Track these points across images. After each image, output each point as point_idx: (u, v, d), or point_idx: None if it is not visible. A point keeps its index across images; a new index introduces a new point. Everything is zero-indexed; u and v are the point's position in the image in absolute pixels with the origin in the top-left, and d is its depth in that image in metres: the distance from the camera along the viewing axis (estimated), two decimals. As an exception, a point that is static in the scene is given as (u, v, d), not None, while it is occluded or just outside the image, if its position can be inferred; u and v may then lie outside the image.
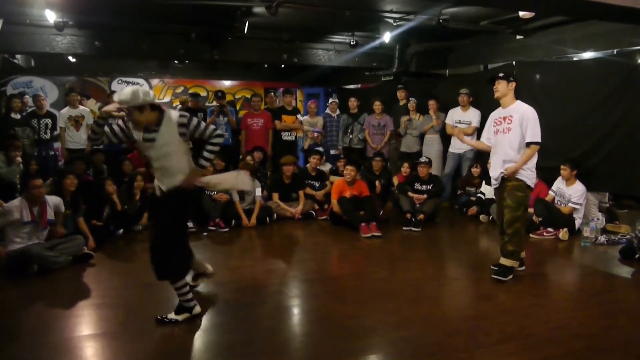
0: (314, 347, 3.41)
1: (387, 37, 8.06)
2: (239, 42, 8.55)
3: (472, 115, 7.86)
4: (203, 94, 12.05)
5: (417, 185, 7.28)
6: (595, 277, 5.10)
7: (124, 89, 3.56)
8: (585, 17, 6.45)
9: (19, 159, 6.96)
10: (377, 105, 8.55)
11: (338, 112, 9.15)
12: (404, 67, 9.46)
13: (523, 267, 4.89)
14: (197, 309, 3.77)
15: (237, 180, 4.28)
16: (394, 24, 7.46)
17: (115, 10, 7.03)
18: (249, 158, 7.66)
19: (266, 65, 11.37)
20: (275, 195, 7.38)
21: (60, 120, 8.06)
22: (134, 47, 8.26)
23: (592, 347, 3.37)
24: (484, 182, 7.47)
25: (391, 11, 6.94)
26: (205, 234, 6.48)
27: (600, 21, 6.33)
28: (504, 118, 4.63)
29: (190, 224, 6.45)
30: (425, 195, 7.12)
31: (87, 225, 5.67)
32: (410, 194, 7.17)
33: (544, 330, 3.60)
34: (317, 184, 7.73)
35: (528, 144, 4.50)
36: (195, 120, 3.64)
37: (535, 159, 4.60)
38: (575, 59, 7.36)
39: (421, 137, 8.48)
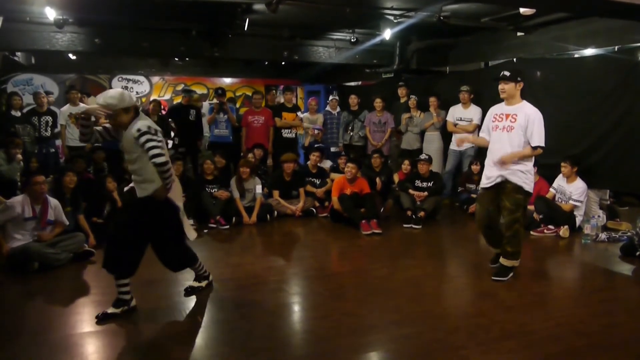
0: (314, 344, 3.41)
1: (387, 34, 8.04)
2: (240, 39, 8.54)
3: (473, 113, 7.85)
4: (203, 91, 12.06)
5: (418, 183, 7.28)
6: (596, 274, 5.10)
7: (109, 92, 3.61)
8: (586, 14, 6.44)
9: (20, 156, 6.97)
10: (378, 103, 8.54)
11: (338, 109, 9.14)
12: (405, 64, 9.44)
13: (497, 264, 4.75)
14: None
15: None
16: (395, 20, 7.43)
17: (115, 8, 7.03)
18: (250, 155, 7.65)
19: (266, 63, 11.38)
20: (276, 193, 7.38)
21: (60, 117, 8.06)
22: (134, 44, 8.25)
23: (592, 345, 3.37)
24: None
25: (392, 8, 6.93)
26: (205, 231, 6.48)
27: (601, 18, 6.31)
28: (507, 115, 4.48)
29: (190, 221, 6.46)
30: (425, 193, 7.12)
31: (88, 223, 5.67)
32: (410, 191, 7.17)
33: (544, 327, 3.60)
34: (317, 182, 7.73)
35: (535, 148, 4.37)
36: (144, 138, 3.52)
37: (532, 163, 4.49)
38: (576, 55, 7.34)
39: (422, 134, 8.47)
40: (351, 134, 8.78)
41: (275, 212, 7.24)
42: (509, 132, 4.43)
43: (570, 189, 6.40)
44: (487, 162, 4.65)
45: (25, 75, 10.50)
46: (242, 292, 4.33)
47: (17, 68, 10.08)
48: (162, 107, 9.53)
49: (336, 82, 12.24)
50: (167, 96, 11.87)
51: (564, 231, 6.23)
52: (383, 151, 8.20)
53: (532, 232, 6.35)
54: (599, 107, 6.52)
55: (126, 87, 11.57)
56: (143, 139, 3.53)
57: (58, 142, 8.53)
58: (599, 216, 6.45)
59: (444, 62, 9.47)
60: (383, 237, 6.28)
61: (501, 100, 4.63)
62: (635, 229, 5.44)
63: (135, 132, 3.54)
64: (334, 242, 6.33)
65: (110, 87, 11.10)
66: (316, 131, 8.75)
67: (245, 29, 7.54)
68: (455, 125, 7.97)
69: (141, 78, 11.71)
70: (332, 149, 8.96)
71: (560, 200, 6.50)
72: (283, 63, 10.82)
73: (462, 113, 7.96)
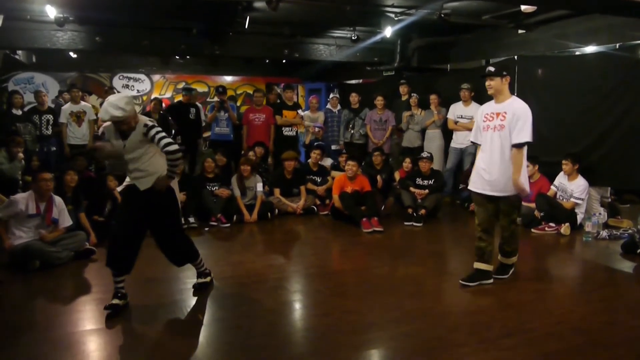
0: (315, 341, 3.42)
1: (388, 31, 8.04)
2: (240, 37, 8.54)
3: (474, 110, 7.75)
4: (204, 89, 12.06)
5: (419, 181, 7.28)
6: (597, 272, 5.10)
7: (120, 98, 3.60)
8: (587, 11, 6.43)
9: (21, 155, 6.98)
10: (379, 101, 8.53)
11: (339, 107, 9.13)
12: (406, 62, 9.44)
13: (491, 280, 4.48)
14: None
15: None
16: (396, 18, 7.44)
17: (116, 6, 7.03)
18: (251, 153, 7.66)
19: (267, 61, 11.38)
20: (277, 191, 7.38)
21: (62, 116, 8.07)
22: (135, 42, 8.27)
23: (593, 342, 3.37)
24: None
25: (392, 5, 6.93)
26: (206, 229, 6.49)
27: (602, 15, 6.31)
28: (497, 114, 4.21)
29: (191, 219, 6.48)
30: (426, 191, 7.12)
31: (89, 221, 5.68)
32: (411, 189, 7.17)
33: (544, 325, 3.60)
34: (318, 179, 7.73)
35: (517, 145, 4.09)
36: (154, 131, 3.69)
37: (525, 163, 4.21)
38: (577, 53, 7.34)
39: (423, 132, 8.47)
40: (352, 132, 8.78)
41: (276, 210, 7.24)
42: (500, 132, 4.17)
43: (572, 187, 6.39)
44: (477, 164, 4.40)
45: (26, 74, 10.51)
46: (243, 290, 4.34)
47: (18, 67, 10.10)
48: (163, 105, 9.51)
49: (337, 80, 12.24)
50: (168, 94, 11.88)
51: (565, 229, 6.22)
52: (384, 149, 8.20)
53: (533, 230, 6.35)
54: (600, 105, 6.51)
55: (127, 86, 11.59)
56: (153, 131, 3.68)
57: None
58: (600, 214, 6.44)
59: (445, 60, 9.47)
60: (384, 235, 6.28)
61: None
62: (637, 226, 5.44)
63: (143, 127, 3.68)
64: (334, 240, 6.33)
65: (112, 85, 11.11)
66: (317, 129, 8.75)
67: (246, 27, 7.55)
68: (456, 122, 7.96)
69: (142, 76, 11.71)
70: (333, 147, 8.95)
71: (561, 198, 6.50)
72: (284, 61, 10.81)
73: (462, 111, 7.95)
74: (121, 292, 3.84)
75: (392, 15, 7.39)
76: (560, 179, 6.55)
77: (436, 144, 8.31)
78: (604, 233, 6.06)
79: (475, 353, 3.19)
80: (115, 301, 3.78)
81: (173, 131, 8.51)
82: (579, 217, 6.38)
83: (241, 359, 3.17)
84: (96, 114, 8.54)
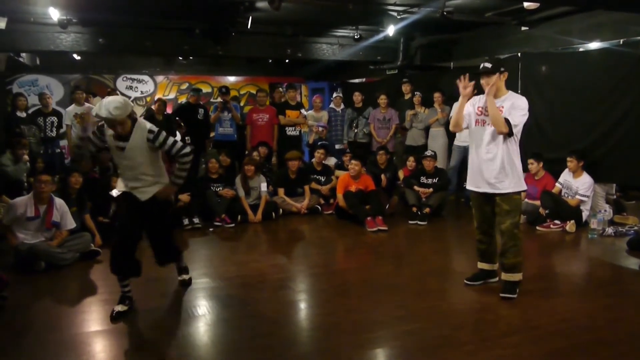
0: (320, 341, 3.42)
1: (391, 30, 8.03)
2: (243, 37, 8.54)
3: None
4: (208, 90, 12.07)
5: (423, 179, 7.26)
6: (603, 269, 5.08)
7: (111, 100, 3.51)
8: (590, 7, 6.40)
9: (26, 157, 7.00)
10: (382, 99, 8.51)
11: (343, 106, 9.12)
12: (409, 60, 9.43)
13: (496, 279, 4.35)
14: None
15: None
16: (398, 17, 7.43)
17: (118, 7, 7.05)
18: (255, 154, 7.66)
19: (270, 61, 11.38)
20: (281, 191, 7.39)
21: (66, 118, 8.10)
22: (138, 43, 8.29)
23: (598, 340, 3.36)
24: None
25: (395, 4, 6.91)
26: (211, 229, 6.50)
27: (606, 11, 6.28)
28: None
29: (196, 220, 6.49)
30: (431, 189, 7.11)
31: (94, 222, 5.69)
32: (416, 187, 7.15)
33: (550, 322, 3.59)
34: (322, 179, 7.72)
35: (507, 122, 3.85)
36: (162, 136, 3.67)
37: (517, 159, 4.03)
38: (581, 49, 7.29)
39: (426, 130, 8.45)
40: (356, 131, 8.76)
41: (281, 210, 7.25)
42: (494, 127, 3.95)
43: (577, 184, 6.37)
44: (472, 160, 4.24)
45: (30, 76, 10.54)
46: (247, 290, 4.34)
47: (22, 69, 10.13)
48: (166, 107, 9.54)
49: (340, 79, 12.22)
50: (172, 95, 11.88)
51: (570, 226, 6.20)
52: (388, 148, 8.19)
53: (538, 227, 6.33)
54: (604, 101, 6.48)
55: (130, 87, 11.60)
56: (161, 137, 3.65)
57: (63, 143, 8.57)
58: (605, 210, 6.42)
59: (448, 58, 9.44)
60: (388, 233, 6.28)
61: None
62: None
63: (148, 133, 3.61)
64: (339, 239, 6.33)
65: (115, 87, 11.15)
66: (320, 128, 8.75)
67: (249, 27, 7.55)
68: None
69: (145, 77, 11.73)
70: (337, 146, 8.95)
71: (566, 195, 6.48)
72: (287, 61, 10.81)
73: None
74: (127, 296, 3.86)
75: (395, 14, 7.37)
76: (565, 176, 6.53)
77: (440, 142, 8.28)
78: (610, 230, 6.03)
79: (479, 351, 3.19)
80: (121, 308, 3.78)
81: (178, 133, 8.55)
82: (584, 214, 6.36)
83: (246, 358, 3.18)
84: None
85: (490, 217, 4.21)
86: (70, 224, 5.18)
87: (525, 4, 6.35)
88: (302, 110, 8.81)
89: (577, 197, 6.32)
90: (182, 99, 11.43)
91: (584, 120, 6.69)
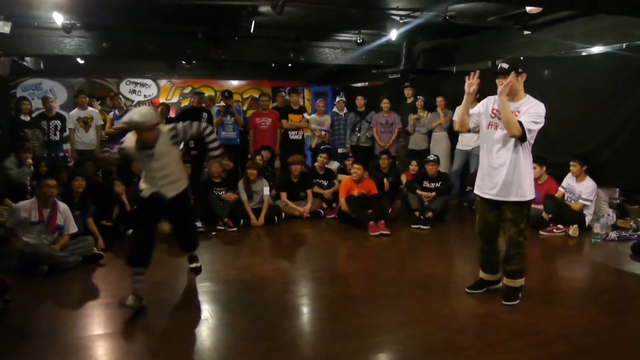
0: (323, 345, 3.42)
1: (393, 34, 8.03)
2: (246, 41, 8.56)
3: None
4: (211, 94, 12.10)
5: (426, 183, 7.26)
6: (606, 273, 5.07)
7: (140, 110, 3.94)
8: (593, 11, 6.40)
9: (30, 160, 7.02)
10: (385, 103, 8.53)
11: (345, 110, 9.14)
12: (411, 65, 9.42)
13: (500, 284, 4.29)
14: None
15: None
16: (401, 21, 7.43)
17: (122, 12, 7.07)
18: (258, 157, 7.67)
19: (273, 65, 11.39)
20: (284, 195, 7.39)
21: (69, 121, 8.13)
22: (141, 47, 8.30)
23: (601, 344, 3.35)
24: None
25: (397, 8, 6.92)
26: (213, 233, 6.51)
27: (608, 15, 6.27)
28: None
29: (199, 224, 6.50)
30: (433, 193, 7.10)
31: (97, 226, 5.70)
32: (418, 191, 7.15)
33: (553, 327, 3.58)
34: (325, 183, 7.73)
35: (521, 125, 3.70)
36: (180, 125, 4.06)
37: (528, 166, 3.92)
38: (583, 53, 7.29)
39: (429, 134, 8.46)
40: (358, 135, 8.77)
41: (283, 214, 7.25)
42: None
43: (580, 188, 6.36)
44: (482, 164, 4.08)
45: (34, 80, 10.59)
46: (249, 294, 4.34)
47: (26, 73, 10.18)
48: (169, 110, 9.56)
49: (343, 83, 12.23)
50: (175, 99, 11.92)
51: (573, 230, 6.19)
52: (390, 152, 8.19)
53: (541, 232, 6.32)
54: (607, 105, 6.47)
55: (134, 91, 11.64)
56: (180, 127, 4.03)
57: (67, 146, 8.60)
58: (608, 215, 6.40)
59: (451, 62, 9.44)
60: (391, 238, 6.27)
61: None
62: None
63: (168, 132, 3.99)
64: (341, 243, 6.33)
65: (118, 90, 11.18)
66: (323, 133, 8.76)
67: (251, 31, 7.56)
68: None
69: (148, 81, 11.76)
70: (340, 150, 8.96)
71: (569, 200, 6.46)
72: (289, 65, 10.83)
73: (469, 113, 7.91)
74: (140, 291, 3.98)
75: (397, 18, 7.38)
76: (568, 181, 6.52)
77: (442, 146, 8.29)
78: (613, 234, 6.02)
79: (482, 356, 3.18)
80: (133, 302, 3.89)
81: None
82: (588, 219, 6.34)
83: (248, 362, 3.18)
84: (103, 120, 8.60)
85: (493, 225, 4.08)
86: (73, 228, 5.19)
87: (528, 9, 6.36)
88: (305, 114, 8.83)
89: (580, 201, 6.31)
90: (185, 103, 11.46)
91: (587, 125, 6.68)
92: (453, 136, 8.23)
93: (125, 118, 3.94)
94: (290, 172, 7.42)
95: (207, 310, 3.98)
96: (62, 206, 5.16)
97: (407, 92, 8.89)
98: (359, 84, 12.09)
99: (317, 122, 8.97)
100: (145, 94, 11.77)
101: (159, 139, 3.94)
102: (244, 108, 11.71)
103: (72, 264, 4.99)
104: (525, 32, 7.57)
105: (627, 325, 3.66)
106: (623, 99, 6.31)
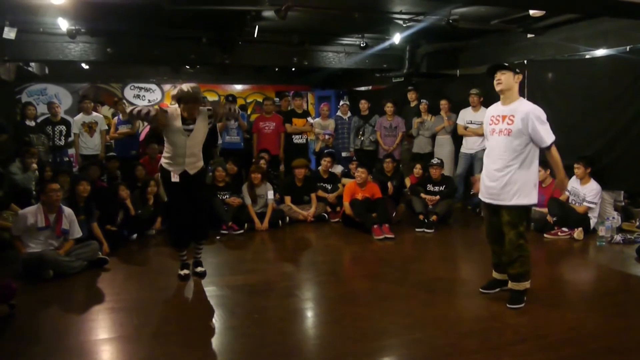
0: (327, 349, 3.41)
1: (397, 38, 8.05)
2: (249, 46, 8.60)
3: (484, 116, 7.75)
4: (214, 98, 12.12)
5: (430, 187, 7.25)
6: (611, 276, 5.05)
7: (188, 84, 4.35)
8: (596, 14, 6.40)
9: (35, 165, 7.04)
10: (389, 107, 8.53)
11: (349, 114, 9.15)
12: (415, 68, 9.44)
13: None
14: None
15: None
16: (404, 25, 7.45)
17: (126, 17, 7.11)
18: (262, 162, 7.68)
19: (277, 69, 11.42)
20: (288, 199, 7.40)
21: (74, 126, 8.16)
22: (146, 53, 8.35)
23: (607, 348, 3.33)
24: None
25: (401, 12, 6.94)
26: (218, 237, 6.51)
27: (612, 18, 6.27)
28: (503, 117, 3.94)
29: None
30: (437, 197, 7.09)
31: (101, 231, 5.71)
32: (422, 195, 7.14)
33: (558, 330, 3.57)
34: (329, 187, 7.73)
35: (548, 148, 3.88)
36: (214, 112, 4.50)
37: (531, 171, 3.97)
38: (587, 56, 7.29)
39: (433, 137, 8.45)
40: (362, 138, 8.78)
41: (287, 218, 7.25)
42: (507, 136, 3.90)
43: (584, 191, 6.34)
44: (486, 166, 4.12)
45: (39, 85, 10.64)
46: (254, 298, 4.34)
47: (31, 78, 10.22)
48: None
49: (346, 87, 12.25)
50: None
51: (578, 233, 6.17)
52: (394, 155, 8.19)
53: (545, 235, 6.30)
54: (611, 108, 6.46)
55: (138, 96, 11.67)
56: (214, 113, 4.48)
57: (71, 151, 8.64)
58: (613, 218, 6.38)
59: (454, 65, 9.45)
60: (395, 241, 6.27)
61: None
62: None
63: (207, 112, 4.43)
64: (346, 247, 6.33)
65: (123, 96, 11.22)
66: (327, 136, 8.77)
67: (255, 35, 7.58)
68: (466, 128, 7.94)
69: (153, 86, 11.80)
70: (343, 154, 8.96)
71: (574, 202, 6.45)
72: (293, 69, 10.85)
73: (472, 116, 7.92)
74: (186, 262, 4.81)
75: (401, 22, 7.40)
76: (573, 183, 6.50)
77: (446, 150, 8.29)
78: (618, 237, 5.99)
79: (488, 359, 3.17)
80: (185, 271, 4.75)
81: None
82: (592, 222, 6.32)
83: (253, 366, 3.18)
84: (108, 125, 8.64)
85: (498, 227, 4.12)
86: (77, 233, 5.20)
87: (531, 12, 6.36)
88: (309, 118, 8.84)
89: (585, 204, 6.29)
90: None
91: (591, 127, 6.67)
92: (457, 139, 8.23)
93: (175, 92, 4.31)
94: (294, 176, 7.43)
95: (212, 315, 3.98)
96: (67, 210, 5.18)
97: (411, 95, 8.90)
98: (363, 88, 12.10)
99: (321, 126, 8.98)
100: (150, 99, 11.80)
101: (199, 117, 4.37)
102: (248, 112, 11.73)
103: (77, 269, 5.00)
104: (529, 35, 7.58)
105: (633, 329, 3.64)
106: (627, 101, 6.30)
